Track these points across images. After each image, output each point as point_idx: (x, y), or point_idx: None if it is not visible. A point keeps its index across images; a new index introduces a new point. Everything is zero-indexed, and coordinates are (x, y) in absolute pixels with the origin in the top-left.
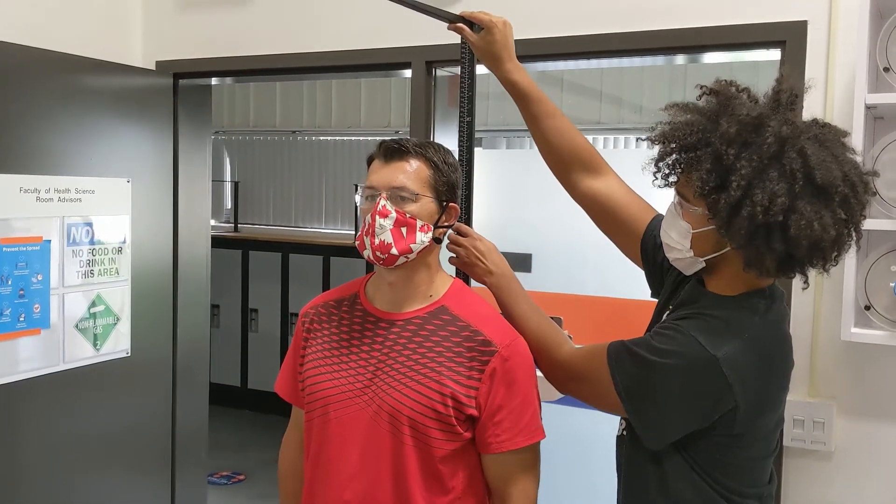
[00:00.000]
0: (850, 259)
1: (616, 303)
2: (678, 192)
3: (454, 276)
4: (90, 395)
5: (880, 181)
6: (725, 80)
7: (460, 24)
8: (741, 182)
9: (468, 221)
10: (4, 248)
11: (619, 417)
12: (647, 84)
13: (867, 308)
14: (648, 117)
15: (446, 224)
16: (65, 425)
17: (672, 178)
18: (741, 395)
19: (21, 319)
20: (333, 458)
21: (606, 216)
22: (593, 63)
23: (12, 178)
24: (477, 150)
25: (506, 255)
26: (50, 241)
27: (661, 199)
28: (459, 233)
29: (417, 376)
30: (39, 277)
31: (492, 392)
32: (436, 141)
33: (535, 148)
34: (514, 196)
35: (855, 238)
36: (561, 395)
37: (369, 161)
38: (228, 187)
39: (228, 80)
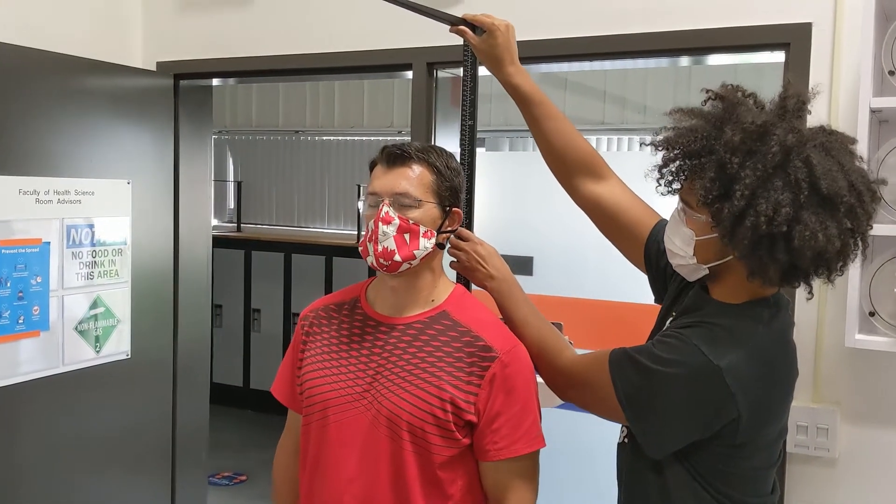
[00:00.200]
0: (854, 265)
1: (618, 306)
2: (682, 199)
3: (455, 281)
4: (90, 396)
5: (885, 186)
6: (732, 85)
7: (462, 27)
8: (745, 191)
9: (469, 225)
10: (3, 250)
11: (620, 424)
12: (651, 84)
13: (871, 314)
14: (652, 118)
15: (449, 229)
16: (65, 427)
17: (675, 185)
18: (744, 405)
19: (20, 321)
20: (332, 462)
21: (609, 221)
22: (596, 65)
23: (11, 180)
24: (478, 152)
25: (507, 257)
26: (49, 242)
27: (666, 203)
28: (460, 237)
29: (417, 381)
30: (39, 279)
31: (491, 398)
32: (437, 144)
33: (537, 150)
34: (515, 198)
35: (861, 248)
36: (561, 402)
37: (371, 166)
38: (231, 187)
39: (230, 80)
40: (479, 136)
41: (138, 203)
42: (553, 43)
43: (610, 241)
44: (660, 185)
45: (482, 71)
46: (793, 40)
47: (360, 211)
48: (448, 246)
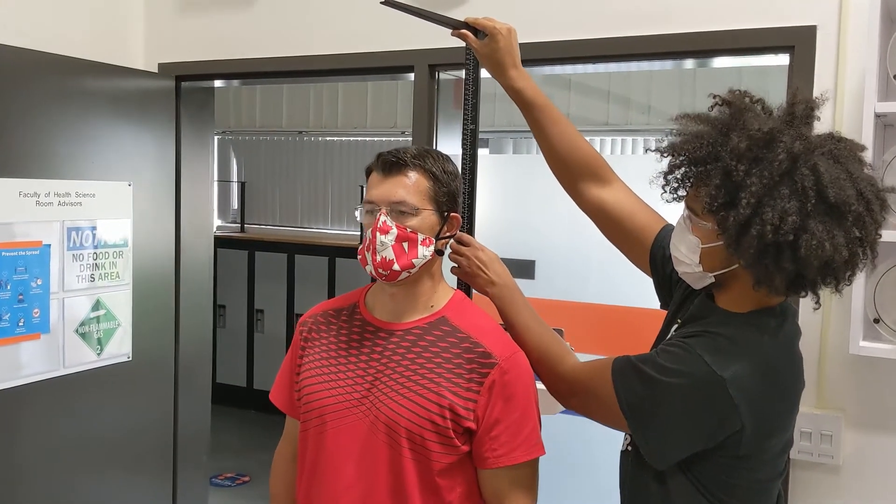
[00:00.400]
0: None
1: (621, 311)
2: (688, 206)
3: (455, 286)
4: (91, 399)
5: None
6: (739, 91)
7: (464, 31)
8: (750, 199)
9: (471, 230)
10: (3, 253)
11: (622, 432)
12: (656, 85)
13: (876, 321)
14: (656, 118)
15: (448, 235)
16: (65, 429)
17: (681, 192)
18: (748, 417)
19: (20, 324)
20: (330, 469)
21: (614, 226)
22: (600, 67)
23: (12, 182)
24: (480, 155)
25: (508, 261)
26: (50, 245)
27: (671, 208)
28: (461, 242)
29: (416, 387)
30: (39, 282)
31: (490, 405)
32: (436, 145)
33: (540, 153)
34: (517, 201)
35: (871, 257)
36: (562, 409)
37: (368, 172)
38: (235, 188)
39: (232, 82)
40: (482, 137)
41: (139, 205)
42: (556, 45)
43: (615, 247)
44: (665, 191)
45: (485, 72)
46: (797, 43)
47: (357, 217)
48: (447, 252)
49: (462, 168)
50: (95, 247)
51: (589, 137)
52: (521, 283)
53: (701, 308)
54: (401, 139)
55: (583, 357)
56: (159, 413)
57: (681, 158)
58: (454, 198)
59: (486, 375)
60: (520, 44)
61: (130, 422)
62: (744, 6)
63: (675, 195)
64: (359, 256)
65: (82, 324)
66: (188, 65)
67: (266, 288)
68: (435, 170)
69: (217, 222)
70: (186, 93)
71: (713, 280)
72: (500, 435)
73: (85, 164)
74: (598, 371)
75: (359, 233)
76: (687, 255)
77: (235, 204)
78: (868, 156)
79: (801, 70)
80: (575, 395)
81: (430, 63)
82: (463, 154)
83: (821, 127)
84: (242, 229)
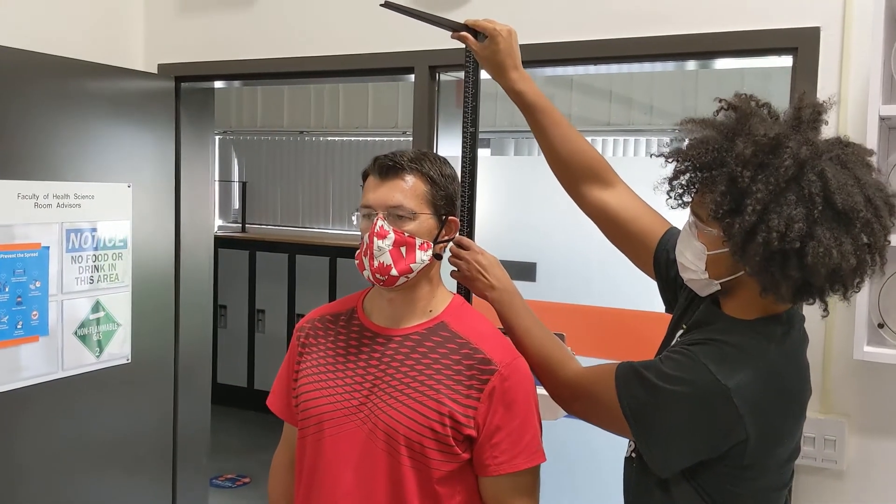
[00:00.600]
0: None
1: (623, 314)
2: (693, 212)
3: (455, 291)
4: (90, 401)
5: None
6: (745, 94)
7: (464, 33)
8: (756, 206)
9: (471, 234)
10: (2, 255)
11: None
12: (658, 84)
13: (881, 326)
14: (659, 118)
15: (446, 238)
16: (64, 431)
17: (686, 198)
18: (752, 427)
19: (19, 327)
20: (328, 476)
21: (617, 229)
22: (602, 69)
23: (10, 184)
24: (481, 156)
25: (510, 263)
26: (48, 247)
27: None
28: (461, 246)
29: (415, 394)
30: (38, 284)
31: (490, 412)
32: (440, 147)
33: (541, 154)
34: (518, 203)
35: (879, 263)
36: (564, 414)
37: (364, 176)
38: (236, 188)
39: (233, 83)
40: (483, 137)
41: (139, 206)
42: (558, 46)
43: (619, 250)
44: (670, 197)
45: (485, 74)
46: (801, 45)
47: (355, 222)
48: (447, 255)
49: (462, 171)
50: (95, 248)
51: (591, 138)
52: (523, 286)
53: (706, 314)
54: (402, 139)
55: (584, 361)
56: (159, 415)
57: (686, 164)
58: (452, 201)
59: (486, 382)
60: (521, 45)
61: (130, 423)
62: (747, 8)
63: (681, 201)
64: (356, 262)
65: (81, 326)
66: (188, 66)
67: (267, 288)
68: (432, 173)
69: (218, 222)
70: (186, 94)
71: (719, 287)
72: (501, 442)
73: (84, 165)
74: (601, 376)
75: (360, 233)
76: (692, 262)
77: (236, 204)
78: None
79: (805, 72)
80: (577, 400)
81: (431, 64)
82: (463, 157)
83: (824, 130)
84: (243, 229)
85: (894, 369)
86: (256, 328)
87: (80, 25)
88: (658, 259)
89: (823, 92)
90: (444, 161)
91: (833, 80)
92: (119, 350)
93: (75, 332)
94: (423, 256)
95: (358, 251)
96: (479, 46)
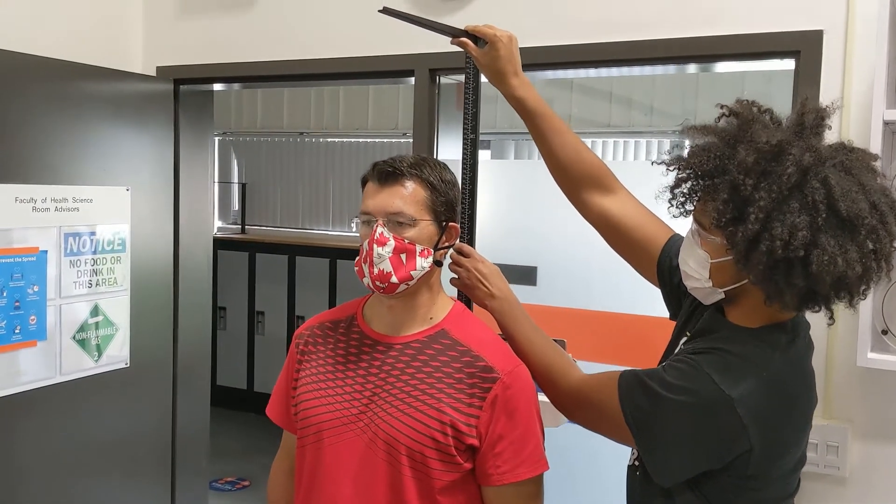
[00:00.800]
0: None
1: (625, 318)
2: (696, 220)
3: (455, 297)
4: (89, 405)
5: None
6: (747, 100)
7: (464, 39)
8: (759, 214)
9: (471, 241)
10: (0, 260)
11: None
12: (658, 86)
13: (884, 332)
14: (659, 120)
15: (447, 245)
16: (63, 437)
17: (688, 206)
18: (756, 437)
19: (17, 331)
20: (327, 485)
21: (620, 237)
22: (603, 72)
23: (8, 188)
24: (481, 160)
25: (510, 267)
26: (46, 251)
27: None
28: (462, 253)
29: (416, 403)
30: (36, 289)
31: (493, 421)
32: (440, 150)
33: (541, 158)
34: (518, 207)
35: (885, 269)
36: (565, 421)
37: (363, 182)
38: (236, 189)
39: (233, 86)
40: (483, 139)
41: (138, 210)
42: (559, 50)
43: (621, 257)
44: (672, 205)
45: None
46: (803, 48)
47: (354, 228)
48: (448, 262)
49: (462, 178)
50: (93, 252)
51: (591, 139)
52: (523, 290)
53: (710, 322)
54: (402, 140)
55: (585, 366)
56: (158, 418)
57: (687, 172)
58: (452, 207)
59: (487, 390)
60: (521, 48)
61: (129, 427)
62: (749, 10)
63: (683, 210)
64: (356, 268)
65: (80, 330)
66: (187, 68)
67: (267, 290)
68: (432, 179)
69: (217, 224)
70: (185, 96)
71: (723, 296)
72: (503, 451)
73: (82, 168)
74: (604, 385)
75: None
76: (696, 270)
77: (236, 205)
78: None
79: (807, 76)
80: (580, 409)
81: (431, 67)
82: (463, 163)
83: (828, 135)
84: (243, 231)
85: None
86: (256, 330)
87: (78, 28)
88: (661, 266)
89: (826, 96)
90: (444, 167)
91: (836, 84)
92: (118, 354)
93: (74, 337)
94: (423, 263)
95: (357, 258)
96: (479, 52)
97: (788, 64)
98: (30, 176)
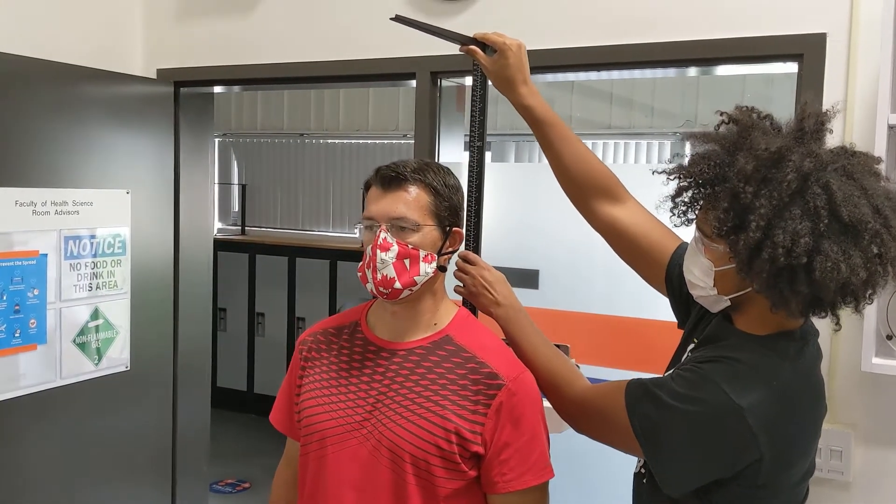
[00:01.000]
0: None
1: (627, 322)
2: (698, 228)
3: (460, 304)
4: (89, 409)
5: None
6: (747, 107)
7: (473, 47)
8: (760, 222)
9: (476, 248)
10: (0, 263)
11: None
12: (659, 87)
13: (889, 337)
14: (660, 121)
15: (451, 250)
16: (63, 440)
17: (690, 215)
18: (766, 447)
19: (17, 335)
20: (331, 494)
21: (628, 245)
22: (603, 74)
23: (8, 192)
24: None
25: (512, 271)
26: (46, 254)
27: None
28: (466, 260)
29: (420, 410)
30: (36, 292)
31: (498, 428)
32: (442, 151)
33: (543, 160)
34: (520, 210)
35: (892, 273)
36: (568, 427)
37: (366, 187)
38: (236, 190)
39: (233, 88)
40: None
41: (138, 213)
42: (561, 52)
43: (629, 266)
44: (674, 214)
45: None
46: (806, 51)
47: (358, 234)
48: (452, 267)
49: (468, 185)
50: (93, 255)
51: (591, 141)
52: (525, 294)
53: (718, 330)
54: (402, 141)
55: (587, 370)
56: (158, 420)
57: (688, 180)
58: (456, 212)
59: (493, 397)
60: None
61: (129, 430)
62: (752, 13)
63: (685, 218)
64: (359, 274)
65: (80, 333)
66: (187, 70)
67: (267, 291)
68: (436, 184)
69: (217, 225)
70: (185, 99)
71: (729, 303)
72: (509, 459)
73: (83, 172)
74: (611, 394)
75: (360, 236)
76: (700, 279)
77: (236, 206)
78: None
79: (810, 79)
80: (586, 418)
81: (433, 70)
82: (469, 171)
83: (831, 139)
84: (243, 232)
85: None
86: (256, 331)
87: (78, 31)
88: (670, 275)
89: (829, 99)
90: (448, 171)
91: (839, 87)
92: (118, 357)
93: (74, 340)
94: (427, 269)
95: (361, 263)
96: (488, 60)
97: (791, 67)
98: (30, 179)
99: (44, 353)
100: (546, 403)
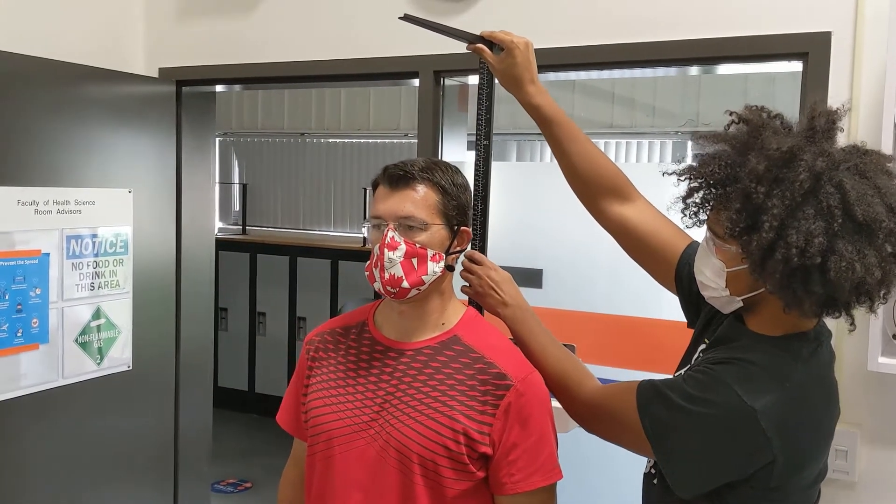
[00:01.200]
0: None
1: (631, 321)
2: (710, 229)
3: (467, 303)
4: (91, 408)
5: None
6: (756, 106)
7: (479, 45)
8: (773, 223)
9: (483, 248)
10: (1, 262)
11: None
12: (661, 86)
13: (895, 337)
14: (662, 120)
15: (458, 249)
16: (65, 440)
17: (702, 216)
18: (780, 449)
19: (19, 335)
20: (338, 494)
21: (637, 244)
22: (605, 74)
23: (10, 191)
24: None
25: (515, 270)
26: (49, 254)
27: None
28: (473, 260)
29: (428, 410)
30: (38, 291)
31: (506, 429)
32: (445, 151)
33: (546, 159)
34: (523, 209)
35: None
36: (575, 426)
37: (374, 185)
38: (237, 190)
39: (234, 87)
40: None
41: (140, 212)
42: (562, 51)
43: (639, 265)
44: (685, 215)
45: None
46: (811, 50)
47: (365, 234)
48: (459, 267)
49: (475, 185)
50: (95, 255)
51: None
52: (529, 293)
53: (730, 330)
54: (404, 141)
55: (592, 370)
56: (160, 420)
57: (699, 181)
58: (464, 211)
59: (501, 398)
60: None
61: (131, 430)
62: (756, 12)
63: (696, 219)
64: (366, 273)
65: (82, 333)
66: (189, 69)
67: (268, 291)
68: (444, 182)
69: (218, 224)
70: (187, 98)
71: (741, 304)
72: (517, 460)
73: (84, 171)
74: (622, 395)
75: (362, 235)
76: (712, 280)
77: (237, 206)
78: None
79: (815, 78)
80: (597, 419)
81: (436, 69)
82: (476, 170)
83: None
84: (244, 231)
85: None
86: (257, 331)
87: (80, 30)
88: (680, 274)
89: (835, 98)
90: (456, 170)
91: (844, 86)
92: (120, 356)
93: (76, 340)
94: (434, 268)
95: (368, 262)
96: (495, 59)
97: (796, 66)
98: (32, 178)
99: (46, 352)
100: (554, 403)
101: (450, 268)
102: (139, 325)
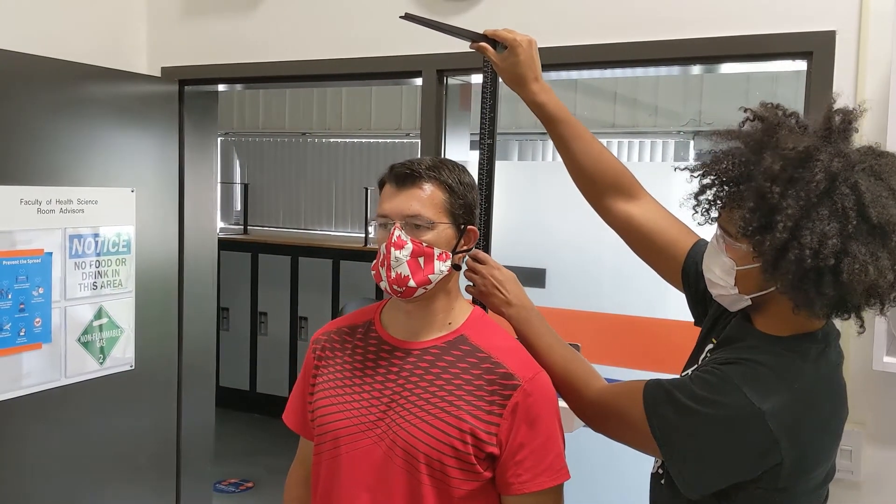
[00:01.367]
0: None
1: (635, 321)
2: (721, 227)
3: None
4: (94, 408)
5: None
6: (771, 104)
7: (483, 44)
8: (787, 223)
9: (487, 247)
10: (4, 262)
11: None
12: (663, 86)
13: None
14: (664, 120)
15: (465, 249)
16: (67, 439)
17: (713, 214)
18: (788, 451)
19: (21, 334)
20: (344, 494)
21: (644, 242)
22: (607, 73)
23: (12, 190)
24: None
25: (518, 269)
26: (51, 253)
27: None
28: (477, 260)
29: (434, 410)
30: (41, 291)
31: (514, 429)
32: (448, 150)
33: (548, 158)
34: (526, 208)
35: None
36: (581, 425)
37: (381, 184)
38: (238, 189)
39: (236, 87)
40: None
41: (142, 211)
42: (564, 50)
43: (646, 263)
44: (696, 212)
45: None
46: (816, 49)
47: (372, 233)
48: (464, 267)
49: (479, 183)
50: (98, 254)
51: None
52: (532, 292)
53: (738, 330)
54: (405, 141)
55: (596, 369)
56: (162, 420)
57: (712, 178)
58: (471, 210)
59: (508, 398)
60: None
61: (133, 429)
62: (760, 11)
63: (707, 217)
64: (373, 272)
65: (85, 332)
66: (192, 69)
67: (269, 290)
68: (451, 181)
69: (220, 224)
70: (190, 97)
71: (750, 303)
72: (524, 460)
73: (87, 170)
74: (629, 395)
75: (363, 235)
76: (721, 278)
77: (238, 206)
78: None
79: (820, 77)
80: (604, 419)
81: (439, 68)
82: (480, 169)
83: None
84: (245, 231)
85: None
86: (259, 331)
87: (82, 29)
88: (687, 272)
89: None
90: (463, 169)
91: (849, 85)
92: (122, 356)
93: (79, 339)
94: (441, 267)
95: (374, 261)
96: (498, 57)
97: (800, 65)
98: (34, 178)
99: (48, 351)
100: (560, 403)
101: (456, 267)
102: (141, 324)
